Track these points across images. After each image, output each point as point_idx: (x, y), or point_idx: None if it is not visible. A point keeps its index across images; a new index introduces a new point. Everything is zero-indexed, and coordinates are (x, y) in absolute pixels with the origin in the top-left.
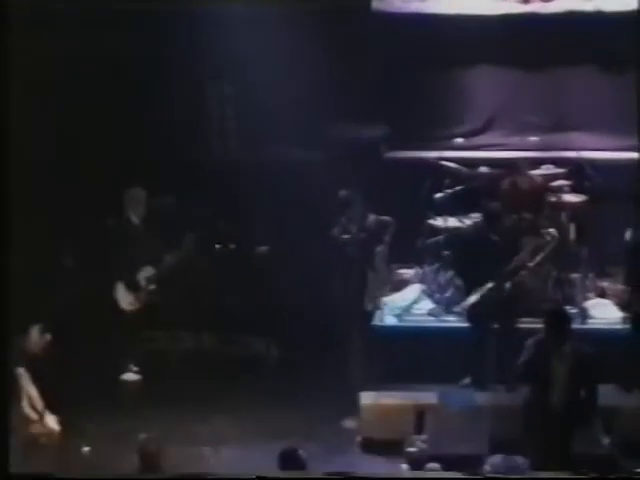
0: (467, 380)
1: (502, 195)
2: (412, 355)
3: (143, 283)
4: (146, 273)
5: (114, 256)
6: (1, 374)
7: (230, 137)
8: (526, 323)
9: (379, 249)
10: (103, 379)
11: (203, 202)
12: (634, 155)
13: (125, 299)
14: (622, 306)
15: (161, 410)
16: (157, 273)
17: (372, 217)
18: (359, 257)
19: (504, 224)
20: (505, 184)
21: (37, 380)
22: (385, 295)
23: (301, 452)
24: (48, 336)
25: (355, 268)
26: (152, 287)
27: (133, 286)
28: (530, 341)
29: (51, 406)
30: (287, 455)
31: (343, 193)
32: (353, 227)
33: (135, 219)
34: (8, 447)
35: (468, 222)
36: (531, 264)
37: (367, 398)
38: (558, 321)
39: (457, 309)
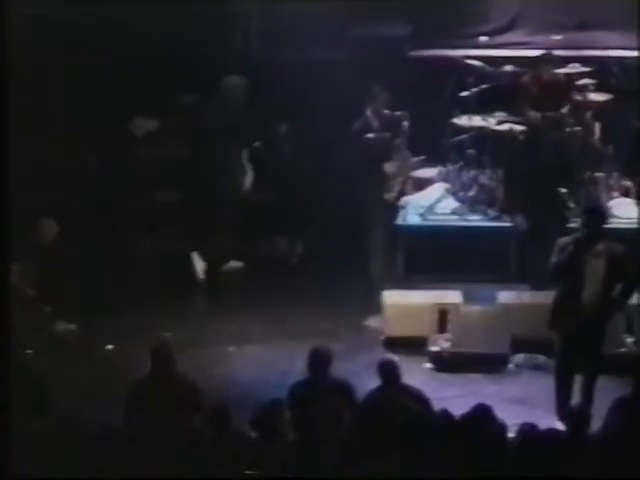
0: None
1: (526, 93)
2: (435, 254)
3: None
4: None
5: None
6: (1, 374)
7: (253, 35)
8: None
9: (397, 142)
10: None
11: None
12: None
13: None
14: None
15: (187, 310)
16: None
17: (386, 112)
18: (380, 153)
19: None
20: (529, 82)
21: (48, 273)
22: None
23: (329, 350)
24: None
25: (376, 164)
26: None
27: None
28: (563, 239)
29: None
30: (317, 352)
31: (374, 87)
32: (376, 122)
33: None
34: (8, 447)
35: (492, 121)
36: None
37: (390, 297)
38: (592, 218)
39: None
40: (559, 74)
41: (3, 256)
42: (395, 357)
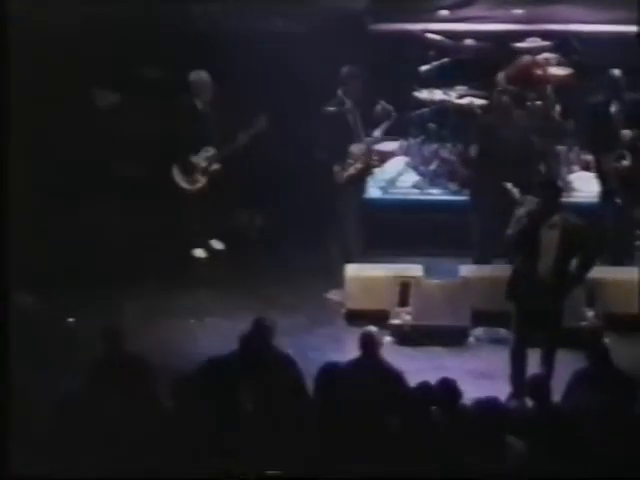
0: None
1: (488, 67)
2: (396, 228)
3: (203, 163)
4: (206, 153)
5: (176, 136)
6: (1, 374)
7: (214, 6)
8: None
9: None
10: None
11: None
12: (620, 28)
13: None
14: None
15: (147, 283)
16: (220, 153)
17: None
18: (347, 130)
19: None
20: (490, 57)
21: None
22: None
23: (268, 321)
24: None
25: (338, 138)
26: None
27: (190, 167)
28: (520, 212)
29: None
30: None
31: (345, 69)
32: (349, 101)
33: (199, 103)
34: (8, 447)
35: (453, 94)
36: None
37: (352, 270)
38: (549, 191)
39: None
40: (522, 50)
41: (3, 255)
42: (374, 329)
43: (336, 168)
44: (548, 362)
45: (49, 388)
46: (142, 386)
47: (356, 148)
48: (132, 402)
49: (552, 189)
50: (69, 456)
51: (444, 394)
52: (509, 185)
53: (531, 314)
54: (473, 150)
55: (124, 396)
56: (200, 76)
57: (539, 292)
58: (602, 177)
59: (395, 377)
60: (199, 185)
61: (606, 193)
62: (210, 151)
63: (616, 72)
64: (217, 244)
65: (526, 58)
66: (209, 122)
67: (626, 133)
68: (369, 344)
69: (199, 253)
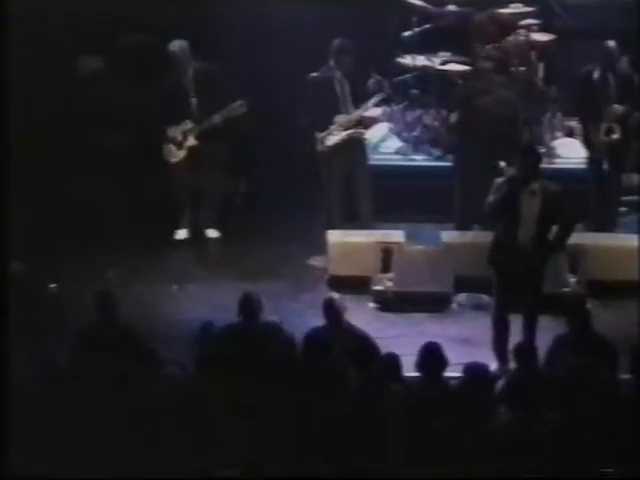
0: None
1: (471, 33)
2: (379, 193)
3: (179, 137)
4: (184, 126)
5: (154, 107)
6: (1, 374)
7: None
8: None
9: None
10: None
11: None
12: None
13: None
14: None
15: (129, 249)
16: (196, 128)
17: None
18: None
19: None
20: (473, 22)
21: None
22: None
23: (256, 296)
24: None
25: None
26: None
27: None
28: (500, 179)
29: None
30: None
31: (336, 41)
32: (338, 72)
33: (178, 74)
34: (8, 447)
35: (437, 61)
36: None
37: (334, 236)
38: (528, 158)
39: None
40: (504, 14)
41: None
42: (338, 295)
43: (319, 135)
44: (530, 328)
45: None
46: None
47: (341, 118)
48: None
49: (532, 155)
50: (69, 456)
51: (428, 361)
52: (501, 163)
53: (512, 280)
54: (454, 117)
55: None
56: (180, 46)
57: (520, 258)
58: (589, 146)
59: (362, 342)
60: (175, 159)
61: (591, 160)
62: (188, 125)
63: (611, 44)
64: (213, 233)
65: (509, 23)
66: (188, 95)
67: (617, 108)
68: (332, 310)
69: (212, 234)
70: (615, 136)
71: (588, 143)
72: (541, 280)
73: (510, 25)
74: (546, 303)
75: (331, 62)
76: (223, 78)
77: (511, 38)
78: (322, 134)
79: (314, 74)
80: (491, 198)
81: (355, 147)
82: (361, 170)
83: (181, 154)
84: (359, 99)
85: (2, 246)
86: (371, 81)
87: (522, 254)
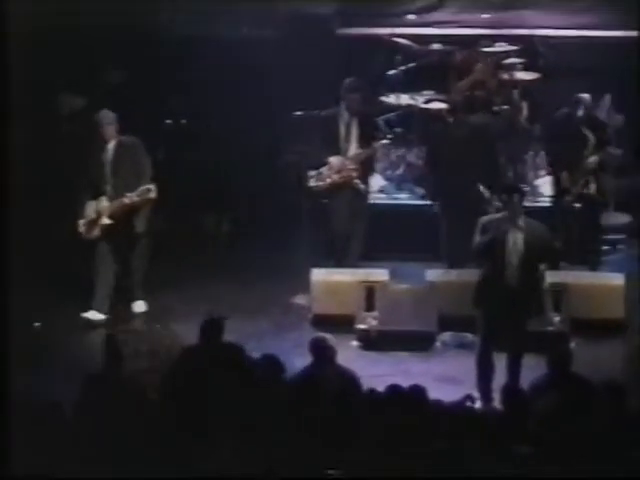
0: None
1: (455, 72)
2: (363, 238)
3: (93, 215)
4: (100, 203)
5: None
6: (1, 374)
7: (181, 12)
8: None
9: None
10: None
11: (155, 78)
12: (585, 33)
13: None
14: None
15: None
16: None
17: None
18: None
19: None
20: (457, 61)
21: None
22: None
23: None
24: None
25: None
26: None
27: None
28: (485, 218)
29: None
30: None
31: (346, 81)
32: (346, 113)
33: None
34: (8, 447)
35: (420, 99)
36: None
37: (318, 275)
38: (512, 196)
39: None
40: (488, 54)
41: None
42: (327, 335)
43: (311, 173)
44: (515, 366)
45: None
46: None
47: (336, 159)
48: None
49: (515, 194)
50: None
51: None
52: (480, 187)
53: (497, 319)
54: (431, 153)
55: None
56: (106, 117)
57: (505, 297)
58: (564, 194)
59: (349, 381)
60: (90, 236)
61: (569, 203)
62: (103, 202)
63: (585, 96)
64: (140, 306)
65: (492, 63)
66: (105, 170)
67: (592, 161)
68: (319, 350)
69: (139, 307)
70: (592, 188)
71: (564, 191)
72: (526, 319)
73: (493, 63)
74: (530, 341)
75: (342, 104)
76: (145, 153)
77: (494, 76)
78: (314, 172)
79: (322, 111)
80: (477, 238)
81: (352, 189)
82: (359, 211)
83: (95, 232)
84: (365, 139)
85: None
86: (377, 120)
87: (508, 292)
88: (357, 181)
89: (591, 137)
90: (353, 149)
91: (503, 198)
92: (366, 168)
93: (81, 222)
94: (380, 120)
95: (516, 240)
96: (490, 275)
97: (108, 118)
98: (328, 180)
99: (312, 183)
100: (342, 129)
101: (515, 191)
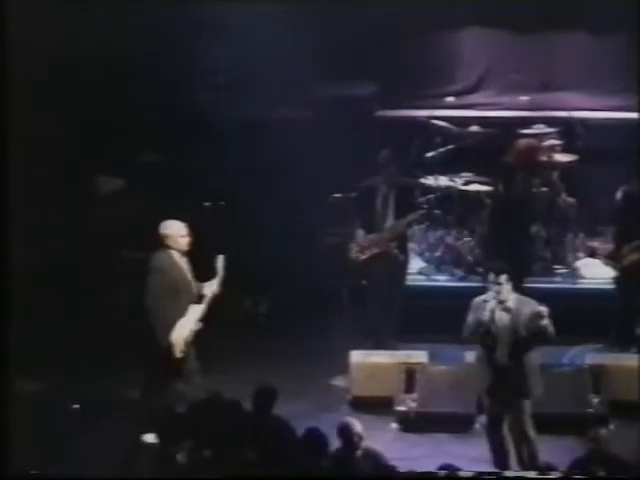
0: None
1: (497, 155)
2: (402, 314)
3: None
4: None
5: None
6: (1, 373)
7: (219, 94)
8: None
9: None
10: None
11: (192, 159)
12: (624, 115)
13: None
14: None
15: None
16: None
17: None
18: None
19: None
20: (500, 144)
21: None
22: None
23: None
24: None
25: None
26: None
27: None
28: (476, 299)
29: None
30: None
31: (383, 153)
32: (383, 186)
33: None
34: (8, 447)
35: (459, 181)
36: None
37: (357, 356)
38: (499, 278)
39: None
40: (529, 137)
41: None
42: (354, 419)
43: (352, 246)
44: (525, 439)
45: None
46: None
47: (374, 235)
48: None
49: (503, 275)
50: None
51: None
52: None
53: (492, 399)
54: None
55: None
56: (172, 226)
57: (495, 377)
58: (615, 264)
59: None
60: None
61: (615, 279)
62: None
63: None
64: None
65: (531, 145)
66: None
67: None
68: (346, 434)
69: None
70: None
71: (615, 261)
72: (525, 391)
73: (534, 147)
74: (570, 424)
75: (380, 177)
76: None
77: (533, 158)
78: (354, 244)
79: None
80: (469, 318)
81: (391, 264)
82: (398, 284)
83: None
84: (402, 210)
85: None
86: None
87: (497, 373)
88: (396, 251)
89: None
90: (390, 220)
91: (491, 279)
92: (404, 239)
93: None
94: (417, 192)
95: (502, 320)
96: (482, 356)
97: (176, 228)
98: (367, 252)
99: (352, 255)
100: (379, 201)
101: (502, 272)
